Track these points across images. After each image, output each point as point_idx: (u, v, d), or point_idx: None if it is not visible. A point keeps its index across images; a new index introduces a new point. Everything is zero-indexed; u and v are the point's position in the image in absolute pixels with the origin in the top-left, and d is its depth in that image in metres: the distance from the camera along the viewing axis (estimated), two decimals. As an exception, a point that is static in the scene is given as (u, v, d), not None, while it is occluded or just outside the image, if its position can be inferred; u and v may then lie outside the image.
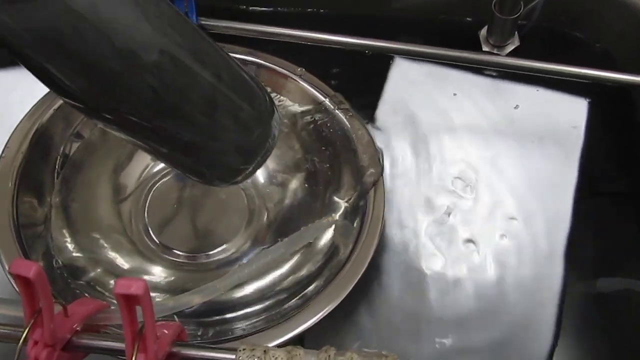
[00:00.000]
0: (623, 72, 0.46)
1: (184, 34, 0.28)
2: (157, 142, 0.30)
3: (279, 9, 0.56)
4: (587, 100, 0.52)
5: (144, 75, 0.26)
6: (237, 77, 0.31)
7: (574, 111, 0.51)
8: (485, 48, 0.55)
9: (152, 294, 0.39)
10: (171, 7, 0.28)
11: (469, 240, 0.46)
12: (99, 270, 0.40)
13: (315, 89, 0.46)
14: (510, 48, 0.55)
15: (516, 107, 0.52)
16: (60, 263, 0.40)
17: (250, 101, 0.32)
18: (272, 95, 0.47)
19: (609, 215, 0.48)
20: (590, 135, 0.50)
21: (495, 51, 0.54)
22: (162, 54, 0.26)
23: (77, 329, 0.29)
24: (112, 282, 0.40)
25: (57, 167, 0.44)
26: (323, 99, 0.46)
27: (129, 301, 0.25)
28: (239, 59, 0.49)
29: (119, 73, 0.26)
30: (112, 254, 0.41)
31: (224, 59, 0.31)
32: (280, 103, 0.47)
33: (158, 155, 0.34)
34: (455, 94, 0.53)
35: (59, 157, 0.44)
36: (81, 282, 0.39)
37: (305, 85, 0.47)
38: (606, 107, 0.52)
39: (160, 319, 0.33)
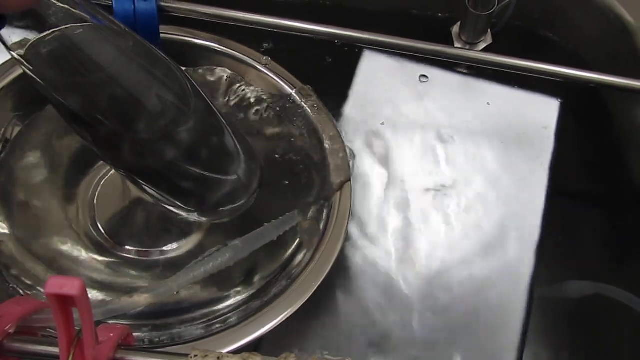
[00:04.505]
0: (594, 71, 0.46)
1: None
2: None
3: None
4: (559, 100, 0.52)
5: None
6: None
7: (545, 111, 0.51)
8: (457, 45, 0.54)
9: (97, 294, 0.36)
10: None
11: (436, 241, 0.44)
12: (37, 265, 0.36)
13: (281, 80, 0.45)
14: (482, 46, 0.54)
15: (487, 104, 0.51)
16: (-3, 258, 0.37)
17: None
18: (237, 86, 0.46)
19: (578, 217, 0.48)
20: (561, 136, 0.50)
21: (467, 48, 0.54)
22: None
23: (10, 331, 0.26)
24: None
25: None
26: (290, 90, 0.44)
27: (63, 302, 0.22)
28: (201, 45, 0.47)
29: None
30: (54, 248, 0.38)
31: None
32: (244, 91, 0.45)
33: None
34: (425, 90, 0.51)
35: (-2, 140, 0.41)
36: (18, 279, 0.36)
37: (271, 75, 0.45)
38: (577, 108, 0.52)
39: (104, 321, 0.31)
